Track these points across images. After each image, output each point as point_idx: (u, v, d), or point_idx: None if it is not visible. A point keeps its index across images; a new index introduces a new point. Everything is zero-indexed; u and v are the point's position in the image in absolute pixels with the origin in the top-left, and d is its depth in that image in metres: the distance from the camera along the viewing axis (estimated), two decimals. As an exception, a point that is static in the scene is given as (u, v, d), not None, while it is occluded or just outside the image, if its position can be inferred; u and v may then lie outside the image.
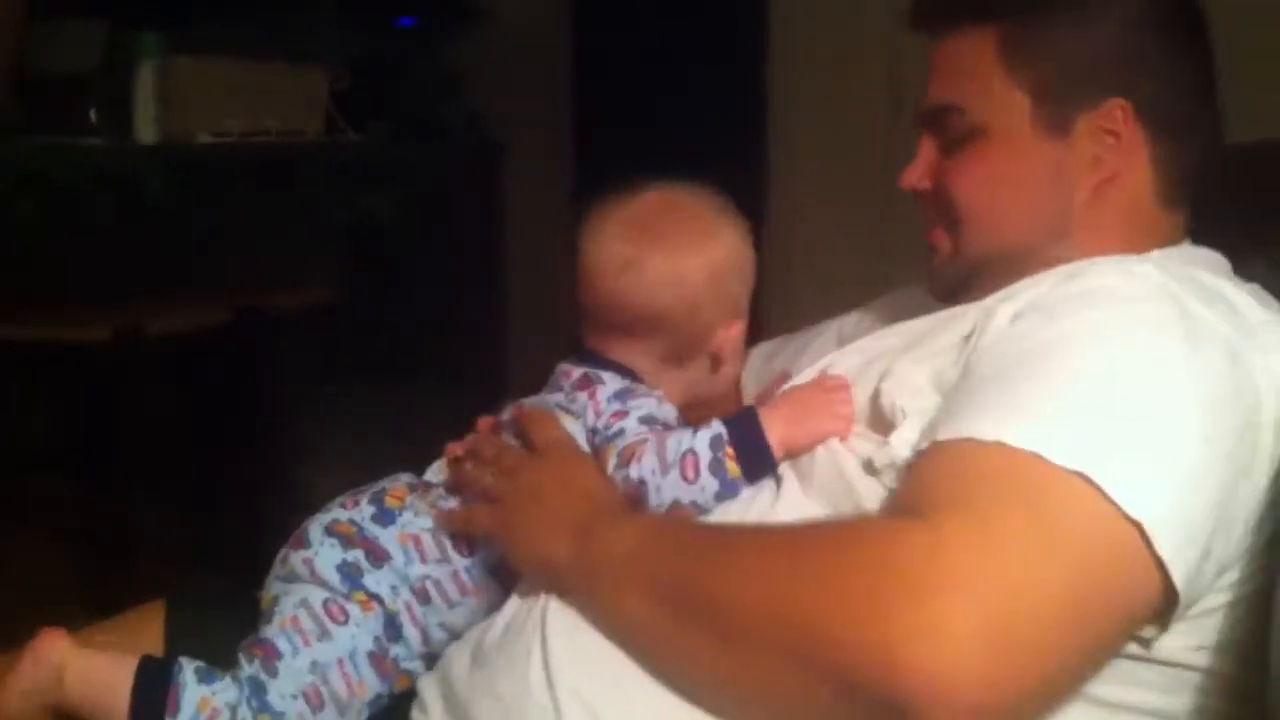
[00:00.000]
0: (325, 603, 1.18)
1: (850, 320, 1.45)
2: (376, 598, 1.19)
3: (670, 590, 1.02)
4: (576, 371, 1.25)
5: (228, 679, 1.15)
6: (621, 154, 3.81)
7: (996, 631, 0.87)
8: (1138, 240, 1.14)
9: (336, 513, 1.23)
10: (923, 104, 1.21)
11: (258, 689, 1.14)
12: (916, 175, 1.22)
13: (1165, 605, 0.94)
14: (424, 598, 1.20)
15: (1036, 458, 0.92)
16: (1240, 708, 1.03)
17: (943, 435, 0.99)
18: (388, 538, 1.21)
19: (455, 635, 1.19)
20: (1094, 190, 1.15)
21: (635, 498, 1.16)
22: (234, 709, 1.13)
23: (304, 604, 1.18)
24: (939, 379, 1.07)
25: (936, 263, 1.22)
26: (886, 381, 1.10)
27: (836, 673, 0.91)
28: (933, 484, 0.97)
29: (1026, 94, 1.15)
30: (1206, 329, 1.01)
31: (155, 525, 2.73)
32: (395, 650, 1.19)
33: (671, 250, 1.23)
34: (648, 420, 1.20)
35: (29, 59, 2.65)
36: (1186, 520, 0.93)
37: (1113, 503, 0.91)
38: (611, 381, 1.24)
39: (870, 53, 3.00)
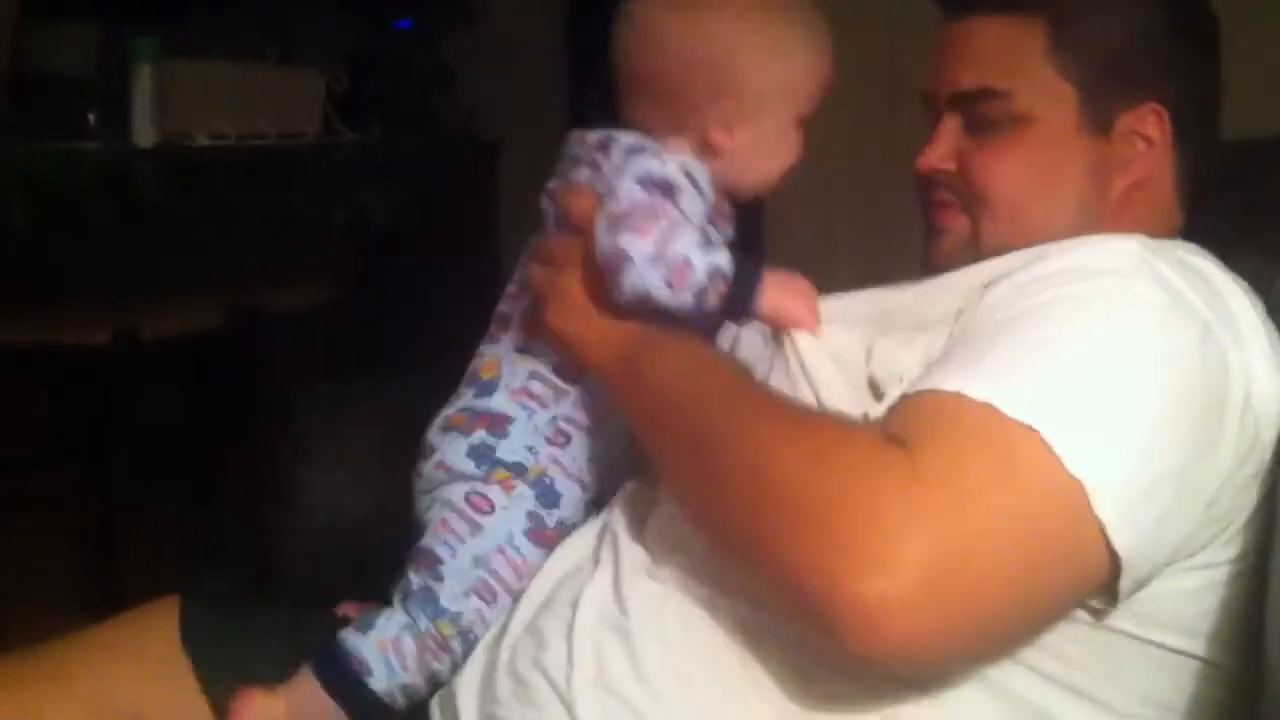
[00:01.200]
0: (468, 496, 1.16)
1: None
2: (517, 467, 1.17)
3: (689, 435, 1.04)
4: (593, 136, 1.19)
5: (384, 611, 1.15)
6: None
7: (942, 574, 0.88)
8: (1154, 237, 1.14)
9: (445, 412, 1.21)
10: (949, 83, 1.18)
11: (428, 597, 1.14)
12: (938, 156, 1.19)
13: (1113, 574, 0.94)
14: (563, 439, 1.18)
15: (990, 408, 0.93)
16: (1232, 697, 1.04)
17: (910, 390, 1.00)
18: (499, 403, 1.18)
19: (614, 467, 1.19)
20: (1125, 192, 1.15)
21: (611, 266, 1.10)
22: (411, 628, 1.13)
23: (448, 504, 1.17)
24: (928, 357, 1.06)
25: (948, 245, 1.20)
26: (873, 361, 1.09)
27: (783, 566, 0.93)
28: (906, 424, 0.98)
29: (1075, 88, 1.14)
30: (1183, 306, 1.01)
31: (155, 526, 2.74)
32: (556, 516, 1.17)
33: (671, 8, 1.18)
34: (644, 180, 1.13)
35: (24, 61, 2.65)
36: (1134, 488, 0.93)
37: (1058, 459, 0.91)
38: (625, 138, 1.17)
39: (868, 49, 3.00)
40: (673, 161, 1.14)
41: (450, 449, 1.18)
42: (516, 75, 3.98)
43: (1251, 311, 1.07)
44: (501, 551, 1.15)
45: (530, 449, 1.17)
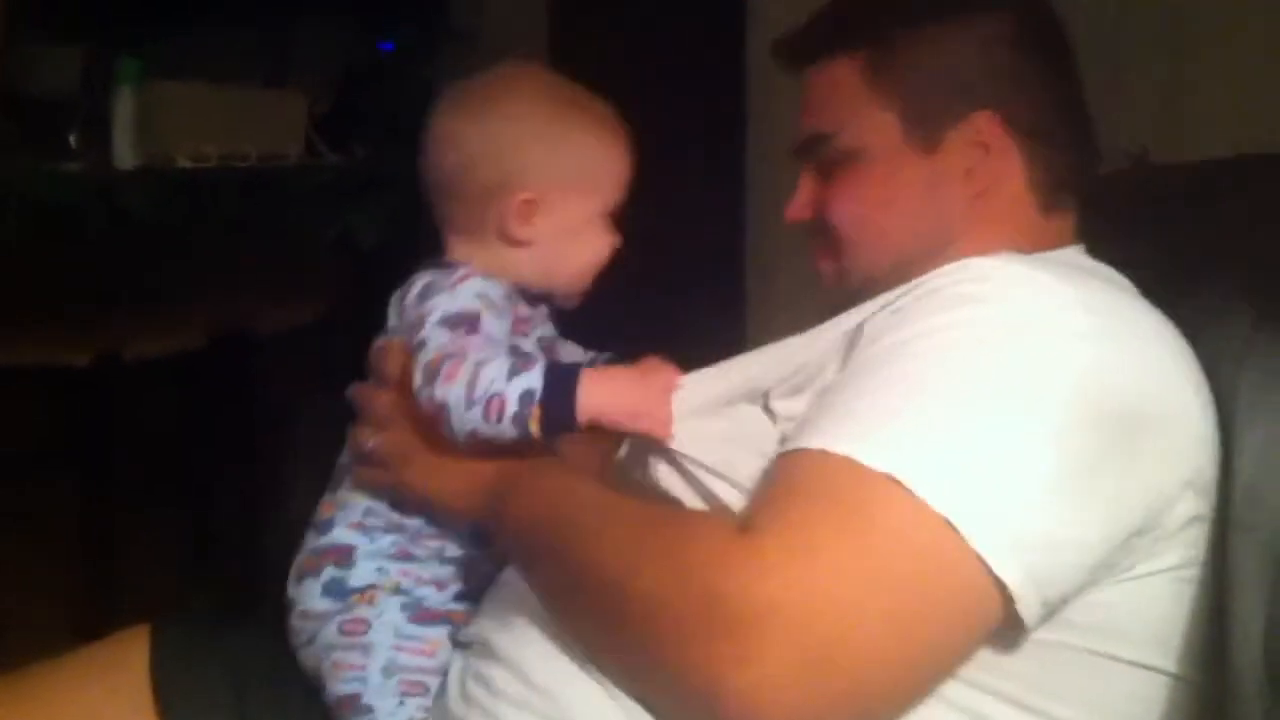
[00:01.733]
0: (341, 627, 1.17)
1: None
2: (371, 588, 1.18)
3: (557, 571, 1.06)
4: (406, 288, 1.22)
5: None
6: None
7: (813, 658, 0.89)
8: (1022, 245, 1.14)
9: (296, 561, 1.22)
10: (794, 137, 1.23)
11: None
12: (797, 207, 1.24)
13: (1008, 604, 0.93)
14: (408, 556, 1.19)
15: (850, 462, 0.93)
16: (1193, 703, 1.04)
17: (785, 447, 1.01)
18: (339, 535, 1.20)
19: (468, 557, 1.19)
20: (970, 200, 1.16)
21: (435, 417, 1.12)
22: None
23: (329, 646, 1.18)
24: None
25: (827, 285, 1.23)
26: (779, 422, 1.09)
27: (669, 683, 0.95)
28: (767, 497, 0.99)
29: (895, 114, 1.16)
30: (1055, 320, 1.01)
31: (147, 545, 2.73)
32: (431, 599, 1.19)
33: (459, 112, 1.22)
34: (448, 321, 1.15)
35: (6, 83, 2.64)
36: (1009, 515, 0.93)
37: (922, 501, 0.91)
38: (419, 280, 1.20)
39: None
40: (465, 291, 1.16)
41: (306, 595, 1.19)
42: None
43: (1151, 315, 1.07)
44: (399, 649, 1.16)
45: (379, 569, 1.18)
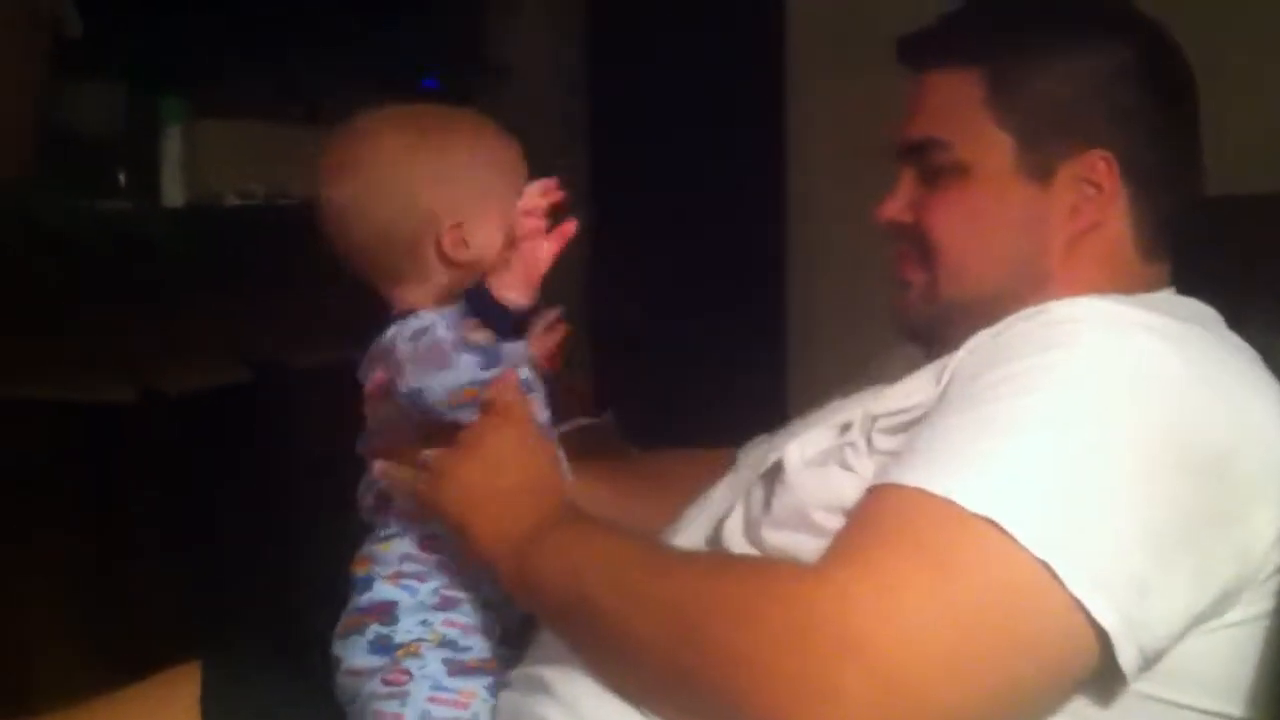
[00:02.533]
0: (384, 680, 1.18)
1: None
2: (416, 643, 1.18)
3: (593, 622, 1.05)
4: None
5: None
6: (638, 213, 3.85)
7: (889, 691, 0.88)
8: (1118, 287, 1.14)
9: (341, 622, 1.23)
10: (905, 136, 1.21)
11: None
12: (896, 208, 1.21)
13: (1106, 650, 0.93)
14: (451, 603, 1.19)
15: (949, 504, 0.93)
16: None
17: (877, 480, 1.00)
18: (380, 592, 1.20)
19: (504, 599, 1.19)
20: (1072, 239, 1.15)
21: (419, 412, 1.16)
22: None
23: (372, 697, 1.18)
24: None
25: (910, 299, 1.21)
26: (855, 442, 1.09)
27: (739, 714, 0.93)
28: (856, 530, 0.98)
29: (1012, 136, 1.15)
30: (1157, 367, 1.01)
31: (181, 585, 2.73)
32: (471, 654, 1.19)
33: (341, 181, 1.24)
34: (410, 338, 1.18)
35: (52, 120, 2.67)
36: (1105, 560, 0.92)
37: (1020, 545, 0.90)
38: (386, 334, 1.22)
39: (889, 107, 3.00)
40: (425, 314, 1.19)
41: (352, 653, 1.20)
42: (540, 134, 4.00)
43: (1257, 368, 1.07)
44: (434, 700, 1.16)
45: (423, 623, 1.19)
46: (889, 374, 1.16)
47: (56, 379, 2.58)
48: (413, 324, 1.18)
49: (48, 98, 2.60)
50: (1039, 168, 1.15)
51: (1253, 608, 1.01)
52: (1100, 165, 1.14)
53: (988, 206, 1.16)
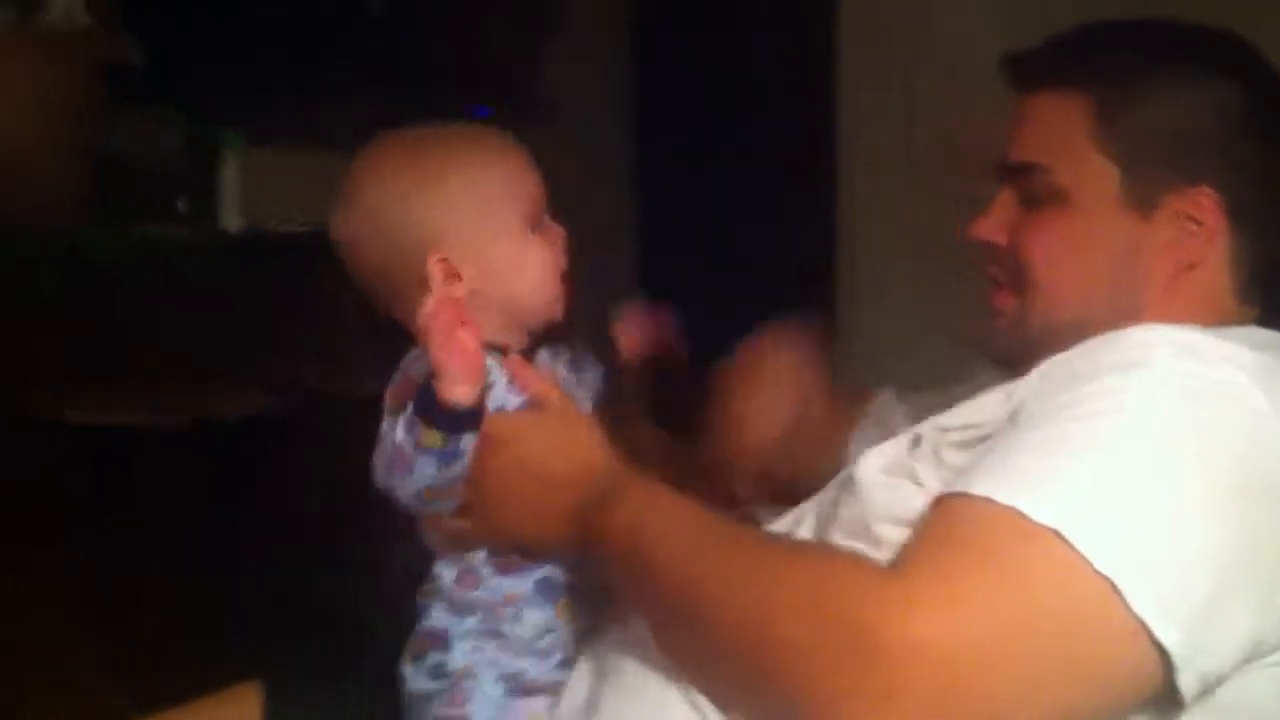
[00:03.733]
0: (445, 704, 1.19)
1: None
2: (469, 669, 1.19)
3: (659, 585, 1.05)
4: None
5: None
6: (684, 246, 3.86)
7: (948, 698, 0.89)
8: (1209, 325, 1.12)
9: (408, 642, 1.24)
10: (1005, 157, 1.19)
11: None
12: (990, 229, 1.20)
13: (1167, 672, 0.92)
14: (494, 634, 1.19)
15: (1015, 513, 0.93)
16: None
17: (947, 489, 1.00)
18: (435, 619, 1.21)
19: (549, 625, 1.19)
20: (1169, 275, 1.13)
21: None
22: None
23: (435, 716, 1.20)
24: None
25: (999, 326, 1.20)
26: (924, 457, 1.09)
27: (789, 715, 0.94)
28: (923, 538, 0.98)
29: (1117, 166, 1.13)
30: (1232, 393, 1.00)
31: (227, 609, 2.74)
32: (529, 671, 1.19)
33: (340, 227, 1.24)
34: (391, 409, 1.17)
35: (109, 148, 2.70)
36: (1171, 580, 0.92)
37: (1085, 559, 0.90)
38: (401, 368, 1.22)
39: (941, 148, 2.99)
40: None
41: (414, 677, 1.21)
42: (588, 168, 4.02)
43: None
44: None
45: (475, 648, 1.19)
46: (963, 393, 1.16)
47: (108, 404, 2.61)
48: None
49: (105, 127, 2.63)
50: (1142, 200, 1.13)
51: None
52: (1205, 202, 1.12)
53: (1087, 235, 1.14)
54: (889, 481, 1.08)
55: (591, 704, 1.11)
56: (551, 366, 1.27)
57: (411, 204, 1.19)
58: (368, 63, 3.44)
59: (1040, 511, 0.92)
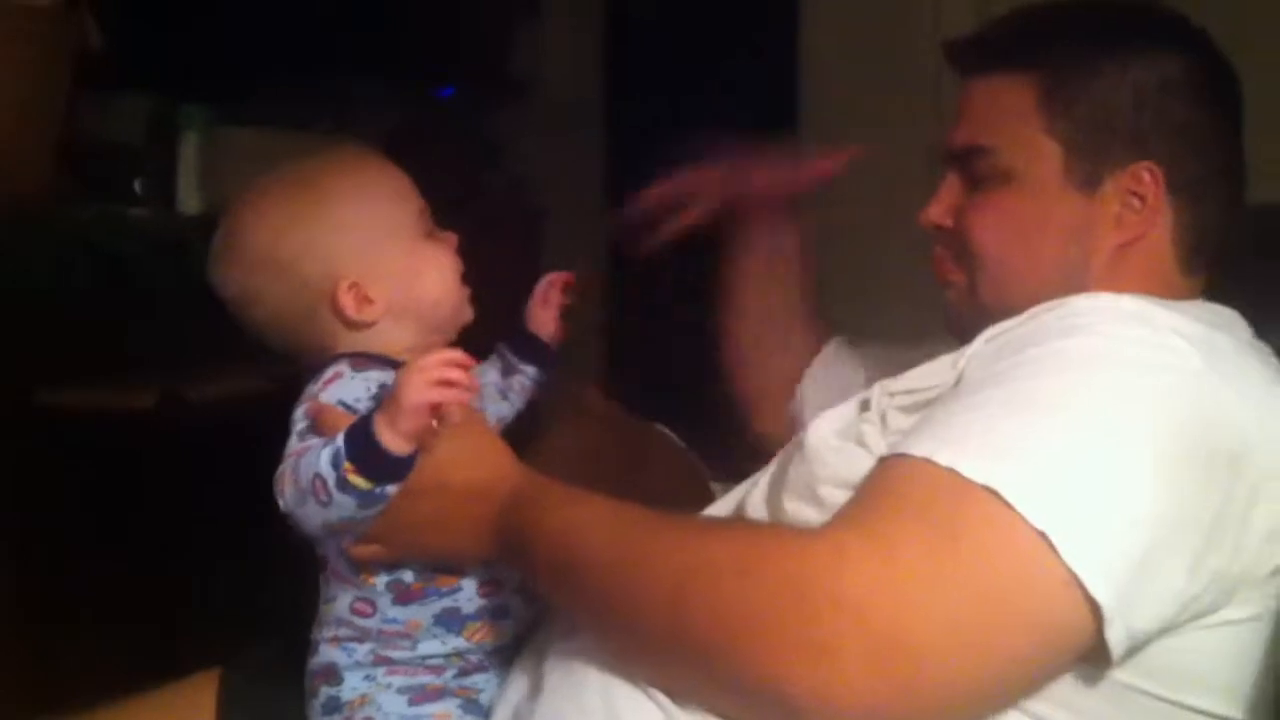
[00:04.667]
0: None
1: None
2: (363, 696, 1.18)
3: (589, 582, 1.05)
4: None
5: None
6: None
7: (884, 649, 0.89)
8: (1154, 295, 1.13)
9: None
10: (951, 142, 1.21)
11: None
12: (938, 212, 1.22)
13: (1099, 625, 0.93)
14: (386, 662, 1.18)
15: (953, 473, 0.94)
16: None
17: (888, 452, 1.01)
18: (324, 654, 1.20)
19: (446, 649, 1.18)
20: (1115, 250, 1.15)
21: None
22: None
23: None
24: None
25: (952, 298, 1.23)
26: (872, 420, 1.10)
27: (731, 682, 0.95)
28: (860, 497, 1.00)
29: (1060, 145, 1.15)
30: (1172, 359, 1.01)
31: (206, 593, 2.73)
32: (430, 682, 1.18)
33: (233, 267, 1.23)
34: (302, 431, 1.15)
35: (75, 130, 2.68)
36: (1104, 535, 0.93)
37: (1019, 515, 0.91)
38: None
39: (908, 129, 3.00)
40: (329, 395, 1.16)
41: (313, 715, 1.20)
42: (561, 146, 4.01)
43: (1269, 365, 1.08)
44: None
45: (366, 678, 1.18)
46: (913, 359, 1.17)
47: (78, 386, 2.59)
48: (299, 415, 1.16)
49: (71, 108, 2.61)
50: (1086, 177, 1.15)
51: (1253, 606, 1.02)
52: (1146, 177, 1.14)
53: (1032, 214, 1.16)
54: (839, 445, 1.09)
55: (529, 707, 1.10)
56: (483, 375, 1.26)
57: (303, 238, 1.17)
58: (336, 42, 3.43)
59: (977, 471, 0.93)
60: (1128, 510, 0.94)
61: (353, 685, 1.17)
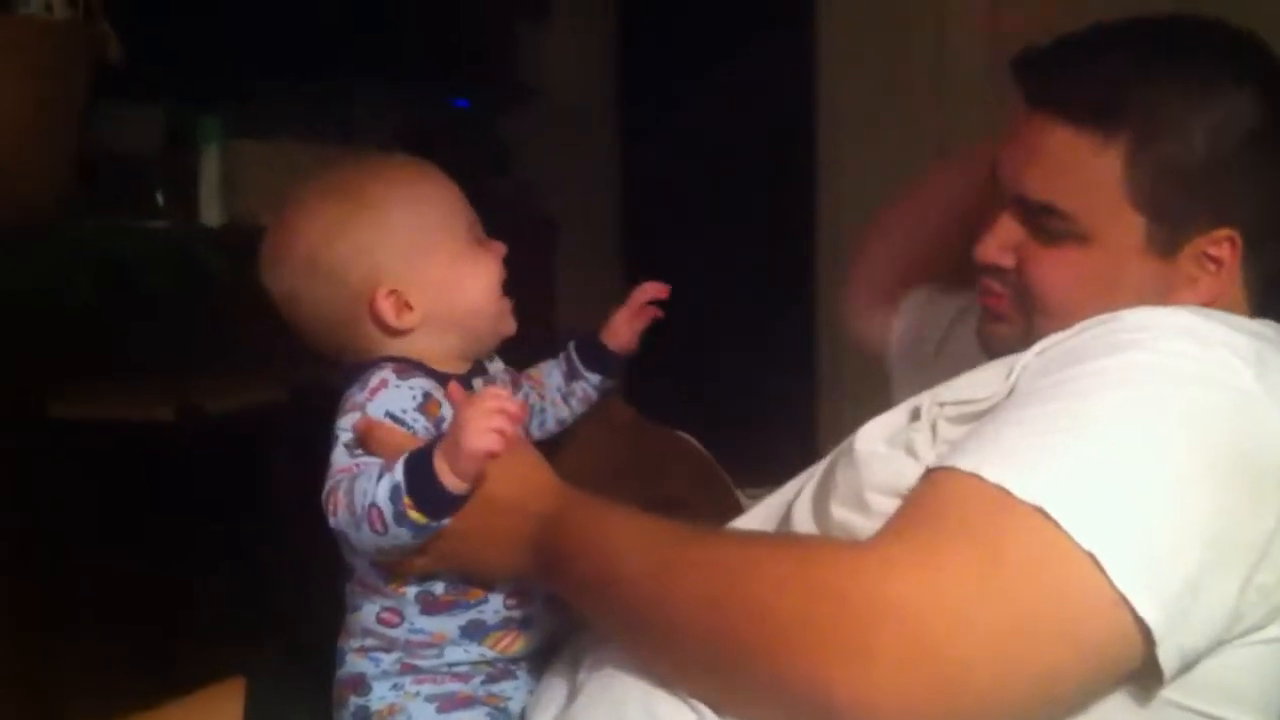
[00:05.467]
0: None
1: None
2: (392, 707, 1.18)
3: (627, 596, 1.04)
4: None
5: None
6: (668, 230, 3.86)
7: (926, 658, 0.89)
8: None
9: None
10: (1015, 183, 1.16)
11: None
12: (997, 251, 1.18)
13: (1149, 646, 0.93)
14: (413, 670, 1.18)
15: (1001, 490, 0.93)
16: None
17: (936, 463, 1.01)
18: (351, 664, 1.20)
19: (471, 657, 1.19)
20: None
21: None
22: None
23: None
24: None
25: (1003, 332, 1.19)
26: (921, 429, 1.09)
27: (771, 689, 0.94)
28: (907, 509, 0.99)
29: (1144, 215, 1.11)
30: (1219, 375, 1.00)
31: (220, 602, 2.75)
32: (459, 691, 1.19)
33: (280, 273, 1.21)
34: (350, 443, 1.14)
35: (92, 142, 2.70)
36: (1153, 555, 0.92)
37: (1067, 535, 0.91)
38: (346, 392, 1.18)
39: (919, 132, 3.00)
40: (375, 408, 1.14)
41: None
42: (572, 152, 4.02)
43: None
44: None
45: (394, 687, 1.18)
46: (959, 353, 1.15)
47: (96, 398, 2.61)
48: (344, 421, 1.15)
49: (90, 120, 2.62)
50: (1165, 243, 1.12)
51: None
52: (1226, 245, 1.12)
53: (1106, 276, 1.13)
54: (887, 453, 1.08)
55: (565, 716, 1.10)
56: (547, 375, 1.29)
57: (349, 243, 1.18)
58: (348, 53, 3.44)
59: (1026, 489, 0.93)
60: (1177, 530, 0.93)
61: (381, 695, 1.18)
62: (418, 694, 1.18)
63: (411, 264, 1.18)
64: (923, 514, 0.97)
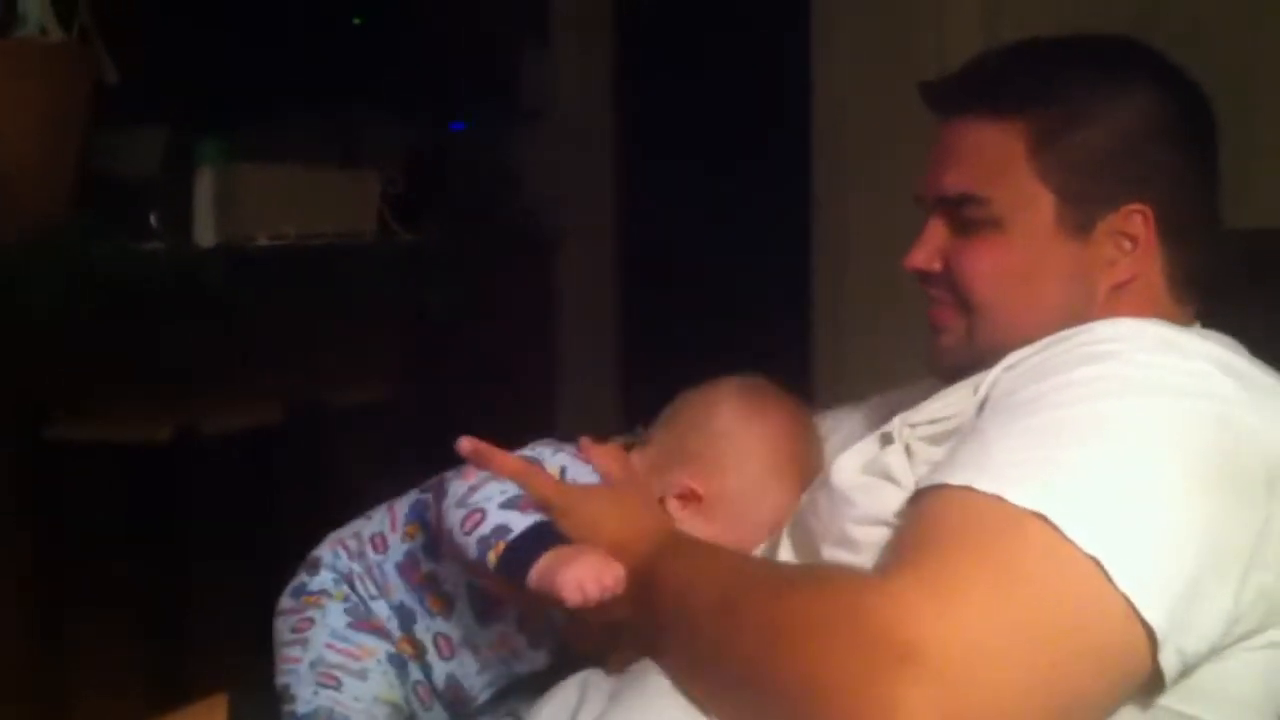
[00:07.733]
0: (292, 628, 1.25)
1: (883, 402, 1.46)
2: (324, 592, 1.25)
3: (692, 629, 1.05)
4: None
5: None
6: (666, 251, 3.87)
7: (956, 698, 0.88)
8: None
9: None
10: (934, 187, 1.19)
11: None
12: (924, 257, 1.20)
13: (1153, 649, 0.93)
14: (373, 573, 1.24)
15: (998, 500, 0.94)
16: None
17: (923, 483, 1.01)
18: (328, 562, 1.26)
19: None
20: (1110, 290, 1.15)
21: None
22: None
23: (279, 643, 1.26)
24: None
25: (946, 343, 1.21)
26: (896, 452, 1.10)
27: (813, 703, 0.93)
28: (908, 535, 0.99)
29: (1053, 193, 1.14)
30: (1201, 383, 1.01)
31: (220, 620, 2.75)
32: (374, 615, 1.23)
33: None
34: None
35: (91, 163, 2.71)
36: (1154, 558, 0.93)
37: (1070, 541, 0.91)
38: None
39: (918, 149, 3.00)
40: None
41: (283, 598, 1.28)
42: (573, 172, 4.03)
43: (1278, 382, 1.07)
44: (330, 647, 1.22)
45: (336, 580, 1.25)
46: (920, 395, 1.17)
47: (94, 419, 2.62)
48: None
49: (89, 142, 2.64)
50: (1078, 223, 1.14)
51: None
52: (1138, 219, 1.14)
53: (1026, 261, 1.15)
54: (867, 481, 1.09)
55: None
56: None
57: (695, 427, 1.27)
58: (349, 76, 3.46)
59: (1023, 497, 0.93)
60: (1172, 534, 0.94)
61: (321, 581, 1.24)
62: (345, 595, 1.24)
63: (718, 475, 1.26)
64: (924, 538, 0.97)
